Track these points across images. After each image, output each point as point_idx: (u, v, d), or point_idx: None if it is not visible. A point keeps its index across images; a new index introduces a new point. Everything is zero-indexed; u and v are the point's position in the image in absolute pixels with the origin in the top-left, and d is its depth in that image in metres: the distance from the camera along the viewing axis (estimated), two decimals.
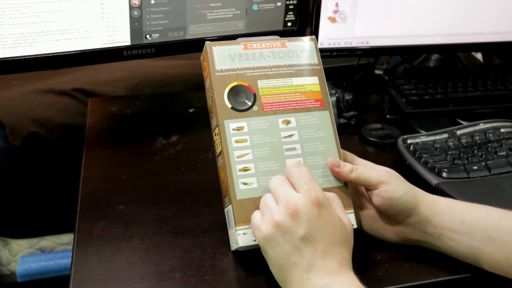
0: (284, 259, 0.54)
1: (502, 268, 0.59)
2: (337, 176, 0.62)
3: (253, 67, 0.65)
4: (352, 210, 0.62)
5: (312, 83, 0.66)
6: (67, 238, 1.26)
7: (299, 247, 0.53)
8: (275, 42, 0.67)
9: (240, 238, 0.59)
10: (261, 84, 0.64)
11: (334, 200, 0.59)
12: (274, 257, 0.55)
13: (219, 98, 0.63)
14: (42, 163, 1.18)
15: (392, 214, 0.61)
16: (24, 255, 1.23)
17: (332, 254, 0.54)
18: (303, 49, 0.68)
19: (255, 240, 0.59)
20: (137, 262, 0.63)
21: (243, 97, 0.63)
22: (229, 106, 0.63)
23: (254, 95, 0.64)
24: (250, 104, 0.63)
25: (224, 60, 0.64)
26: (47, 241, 1.25)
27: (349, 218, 0.58)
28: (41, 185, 1.20)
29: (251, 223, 0.58)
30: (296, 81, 0.66)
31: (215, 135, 0.64)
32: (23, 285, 1.23)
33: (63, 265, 1.21)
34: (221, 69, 0.64)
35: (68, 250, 1.25)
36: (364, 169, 0.62)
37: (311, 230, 0.53)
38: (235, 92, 0.63)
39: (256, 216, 0.57)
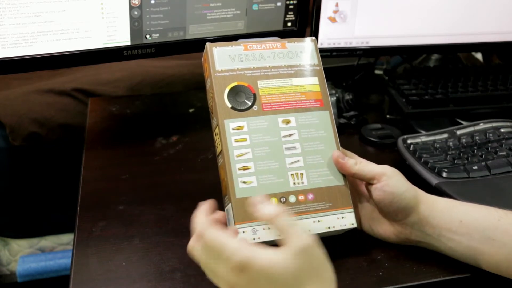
0: None
1: (501, 269, 0.59)
2: (341, 168, 0.63)
3: (253, 67, 0.65)
4: (352, 209, 0.62)
5: (312, 83, 0.66)
6: (67, 238, 1.26)
7: None
8: (275, 43, 0.67)
9: (239, 236, 0.59)
10: (261, 84, 0.65)
11: (279, 224, 0.51)
12: None
13: (219, 98, 0.63)
14: (42, 163, 1.18)
15: (392, 211, 0.61)
16: (24, 255, 1.23)
17: None
18: (303, 50, 0.68)
19: (254, 239, 0.59)
20: (137, 262, 0.63)
21: (243, 97, 0.64)
22: (229, 106, 0.63)
23: (254, 95, 0.64)
24: (250, 104, 0.64)
25: (224, 60, 0.65)
26: (47, 241, 1.25)
27: (302, 238, 0.50)
28: (41, 185, 1.20)
29: None
30: (296, 81, 0.66)
31: (216, 135, 0.64)
32: (23, 285, 1.23)
33: (63, 265, 1.21)
34: (221, 70, 0.64)
35: (68, 250, 1.25)
36: (368, 162, 0.63)
37: None
38: (235, 92, 0.64)
39: None
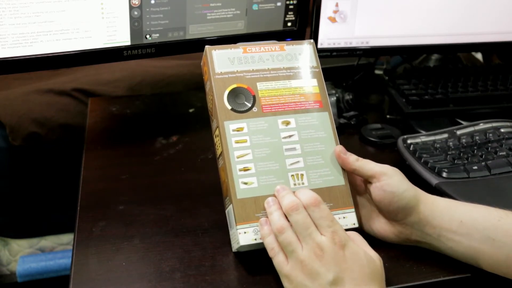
0: None
1: (501, 269, 0.59)
2: (342, 163, 0.63)
3: (252, 70, 0.66)
4: (353, 209, 0.63)
5: (311, 85, 0.67)
6: (67, 238, 1.26)
7: None
8: (273, 46, 0.67)
9: (241, 237, 0.59)
10: (261, 86, 0.65)
11: (355, 238, 0.58)
12: None
13: (219, 100, 0.63)
14: (42, 163, 1.18)
15: (392, 211, 0.61)
16: (24, 255, 1.23)
17: None
18: (301, 53, 0.68)
19: (256, 239, 0.59)
20: (137, 262, 0.63)
21: (242, 99, 0.64)
22: (229, 107, 0.63)
23: (254, 96, 0.64)
24: (249, 105, 0.64)
25: (223, 63, 0.65)
26: (47, 241, 1.25)
27: (375, 252, 0.57)
28: (41, 185, 1.20)
29: (276, 265, 0.57)
30: (295, 83, 0.66)
31: (216, 137, 0.64)
32: (23, 285, 1.23)
33: (63, 265, 1.21)
34: (221, 72, 0.64)
35: (68, 250, 1.25)
36: (369, 161, 0.63)
37: (339, 273, 0.53)
38: (234, 94, 0.64)
39: (281, 258, 0.56)
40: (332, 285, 0.53)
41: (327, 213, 0.57)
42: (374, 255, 0.56)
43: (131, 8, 0.80)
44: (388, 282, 0.60)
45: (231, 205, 0.60)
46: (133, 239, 0.66)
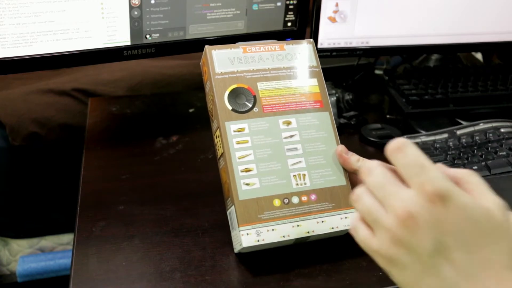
0: (418, 283, 0.41)
1: None
2: (343, 163, 0.63)
3: (253, 69, 0.65)
4: (354, 209, 0.62)
5: (311, 84, 0.67)
6: (67, 238, 1.26)
7: (432, 265, 0.39)
8: (273, 45, 0.67)
9: (243, 238, 0.59)
10: (261, 86, 0.65)
11: (469, 180, 0.42)
12: (404, 283, 0.42)
13: (220, 100, 0.63)
14: (42, 163, 1.18)
15: None
16: (24, 255, 1.23)
17: (481, 263, 0.39)
18: (301, 52, 0.68)
19: (258, 240, 0.59)
20: (137, 262, 0.63)
21: (243, 99, 0.64)
22: (230, 108, 0.63)
23: (254, 97, 0.64)
24: (250, 105, 0.64)
25: (223, 63, 0.65)
26: (47, 241, 1.25)
27: (495, 197, 0.41)
28: (41, 185, 1.20)
29: (360, 243, 0.44)
30: (295, 83, 0.66)
31: (216, 137, 0.64)
32: (23, 285, 1.23)
33: (63, 265, 1.21)
34: (221, 72, 0.64)
35: (68, 250, 1.25)
36: (370, 161, 0.62)
37: (441, 237, 0.39)
38: (235, 94, 0.64)
39: (364, 232, 0.43)
40: (434, 256, 0.39)
41: (414, 157, 0.40)
42: (492, 204, 0.40)
43: (131, 8, 0.80)
44: (388, 282, 0.60)
45: (233, 206, 0.60)
46: (133, 239, 0.66)
